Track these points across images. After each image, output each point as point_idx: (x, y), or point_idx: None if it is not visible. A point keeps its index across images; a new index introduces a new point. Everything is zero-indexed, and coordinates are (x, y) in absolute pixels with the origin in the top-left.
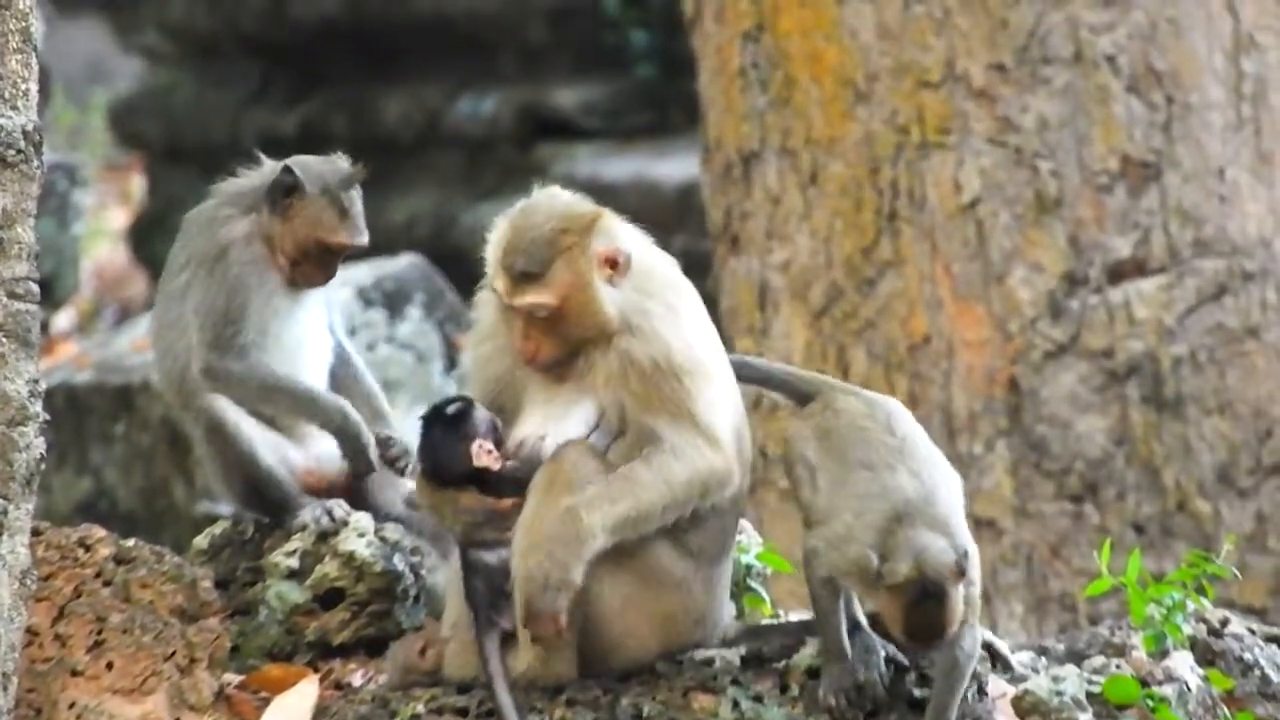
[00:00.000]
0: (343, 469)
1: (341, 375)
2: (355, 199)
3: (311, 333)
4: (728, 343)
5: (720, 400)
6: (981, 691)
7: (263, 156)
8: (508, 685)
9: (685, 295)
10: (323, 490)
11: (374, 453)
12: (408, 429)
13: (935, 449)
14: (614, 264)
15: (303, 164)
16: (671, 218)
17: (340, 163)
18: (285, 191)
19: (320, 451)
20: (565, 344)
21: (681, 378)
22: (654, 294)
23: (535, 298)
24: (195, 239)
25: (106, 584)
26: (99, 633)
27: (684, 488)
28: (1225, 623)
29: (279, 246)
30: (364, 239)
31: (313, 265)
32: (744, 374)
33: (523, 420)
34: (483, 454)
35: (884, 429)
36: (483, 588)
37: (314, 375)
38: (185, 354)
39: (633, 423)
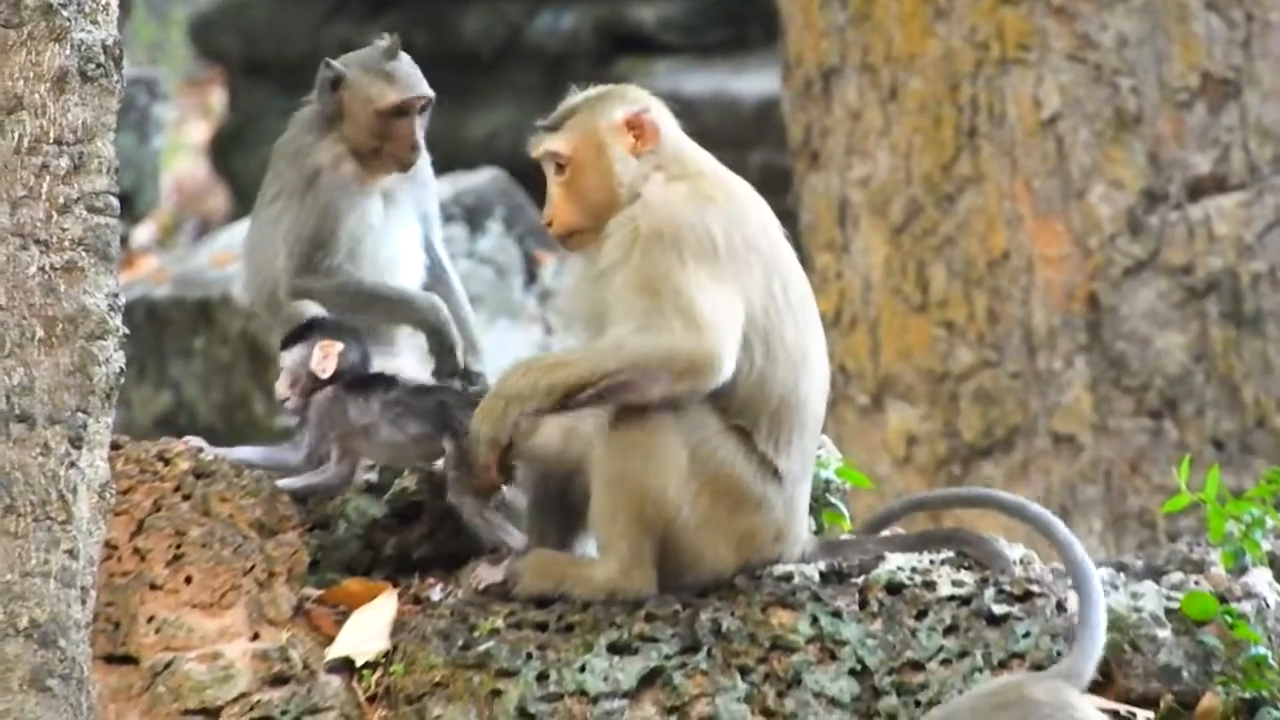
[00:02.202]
0: None
1: (434, 293)
2: (399, 65)
3: (406, 248)
4: (807, 259)
5: (723, 296)
6: (1060, 608)
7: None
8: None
9: (735, 196)
10: None
11: (460, 354)
12: (489, 343)
13: None
14: (638, 130)
15: (342, 58)
16: (750, 133)
17: (379, 43)
18: (333, 87)
19: (406, 368)
20: (583, 209)
21: (684, 256)
22: (686, 178)
23: (549, 145)
24: (285, 171)
25: (185, 498)
26: (178, 547)
27: (638, 360)
28: None
29: (352, 144)
30: (416, 92)
31: (390, 142)
32: None
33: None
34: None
35: None
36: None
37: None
38: (276, 275)
39: (628, 303)
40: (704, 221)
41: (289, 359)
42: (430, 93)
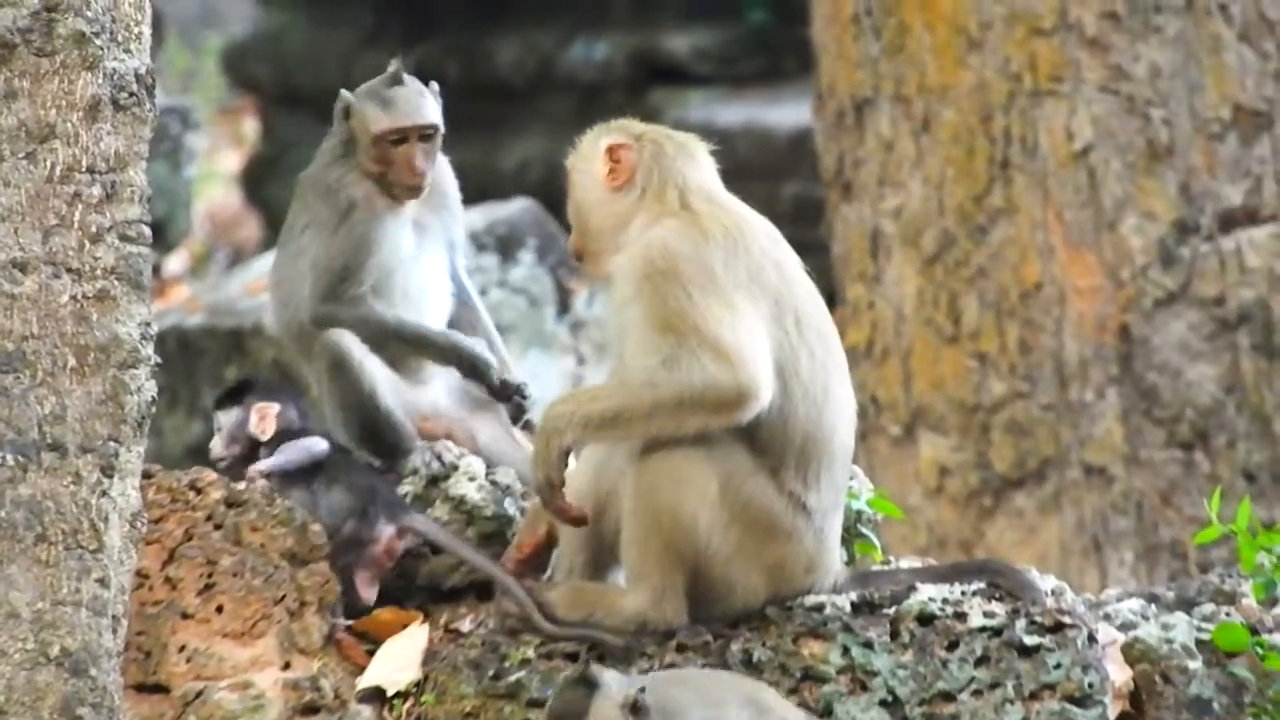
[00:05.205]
0: (456, 416)
1: (462, 319)
2: (400, 91)
3: (435, 279)
4: (839, 289)
5: (744, 325)
6: (1091, 639)
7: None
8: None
9: (734, 231)
10: (438, 437)
11: (495, 374)
12: (522, 373)
13: None
14: (614, 164)
15: (358, 90)
16: (784, 164)
17: (389, 70)
18: (345, 117)
19: (438, 398)
20: (579, 229)
21: (690, 290)
22: (674, 215)
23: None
24: (315, 204)
25: (217, 527)
26: (209, 576)
27: (673, 397)
28: None
29: (364, 172)
30: (411, 120)
31: (392, 169)
32: None
33: None
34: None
35: None
36: None
37: (436, 321)
38: (302, 304)
39: (647, 339)
40: (699, 255)
41: (225, 419)
42: (429, 119)
